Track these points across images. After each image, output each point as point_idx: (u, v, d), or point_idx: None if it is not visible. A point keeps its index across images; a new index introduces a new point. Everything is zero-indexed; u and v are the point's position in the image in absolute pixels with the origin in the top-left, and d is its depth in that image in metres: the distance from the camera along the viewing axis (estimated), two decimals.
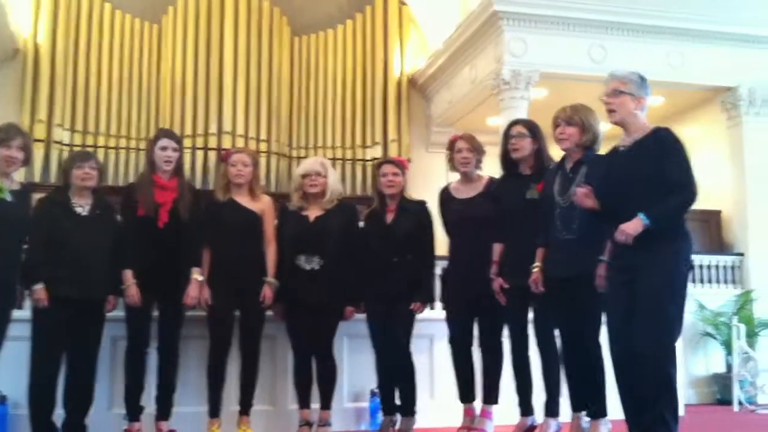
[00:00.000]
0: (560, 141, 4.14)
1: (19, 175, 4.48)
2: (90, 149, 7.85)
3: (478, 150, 4.72)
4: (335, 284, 4.59)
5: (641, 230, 3.44)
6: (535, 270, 4.16)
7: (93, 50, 8.90)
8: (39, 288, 4.22)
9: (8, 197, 4.16)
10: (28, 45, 8.73)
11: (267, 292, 4.60)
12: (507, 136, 4.52)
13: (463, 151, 4.69)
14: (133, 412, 4.51)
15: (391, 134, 9.58)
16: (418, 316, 4.70)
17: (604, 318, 3.93)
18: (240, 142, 8.65)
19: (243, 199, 4.70)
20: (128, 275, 4.43)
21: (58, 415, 4.33)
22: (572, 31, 8.45)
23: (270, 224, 4.72)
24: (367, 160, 9.33)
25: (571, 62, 8.39)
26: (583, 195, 3.74)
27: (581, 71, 8.25)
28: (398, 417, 4.67)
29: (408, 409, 4.65)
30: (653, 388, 3.43)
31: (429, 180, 7.82)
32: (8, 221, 4.12)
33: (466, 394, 4.68)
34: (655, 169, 3.49)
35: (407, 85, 9.96)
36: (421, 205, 4.80)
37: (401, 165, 4.86)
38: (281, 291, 4.64)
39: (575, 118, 4.11)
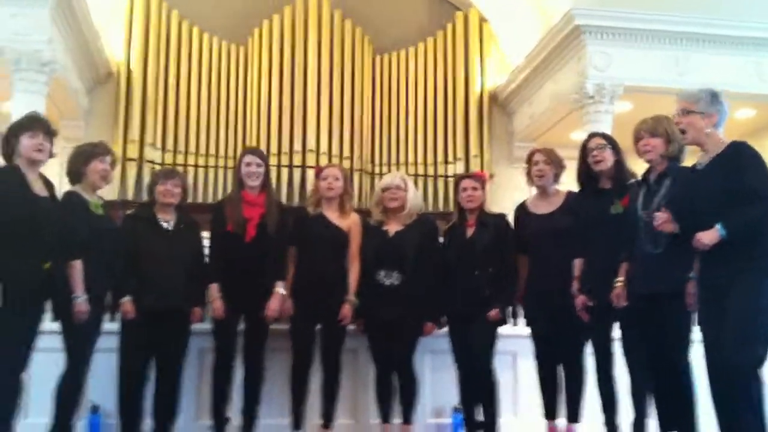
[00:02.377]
0: (644, 153, 4.04)
1: (111, 192, 4.66)
2: (180, 168, 8.07)
3: (556, 164, 4.67)
4: (414, 299, 4.59)
5: (717, 240, 3.38)
6: (618, 284, 4.07)
7: (182, 72, 9.19)
8: (126, 301, 4.37)
9: (102, 212, 4.33)
10: (121, 69, 9.08)
11: (346, 311, 4.64)
12: (586, 149, 4.46)
13: (539, 163, 4.65)
14: (219, 423, 4.60)
15: (473, 150, 9.55)
16: (501, 332, 4.67)
17: (693, 335, 3.84)
18: (324, 160, 8.77)
19: (332, 215, 4.76)
20: (214, 289, 4.54)
21: (148, 424, 4.46)
22: (656, 43, 8.28)
23: (356, 242, 4.75)
24: (449, 176, 9.32)
25: (656, 75, 8.22)
26: (662, 221, 3.68)
27: (666, 84, 8.07)
28: None
29: (490, 426, 4.60)
30: (738, 405, 3.33)
31: (512, 195, 7.75)
32: (101, 235, 4.27)
33: (550, 411, 4.61)
34: (733, 183, 3.41)
35: (489, 101, 9.92)
36: (501, 218, 4.77)
37: (480, 179, 4.85)
38: (362, 305, 4.68)
39: (659, 128, 4.02)
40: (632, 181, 4.30)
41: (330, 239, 4.69)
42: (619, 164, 4.38)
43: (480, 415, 4.63)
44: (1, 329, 3.74)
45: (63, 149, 6.67)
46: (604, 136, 4.52)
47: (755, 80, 8.24)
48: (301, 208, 5.03)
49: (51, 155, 4.07)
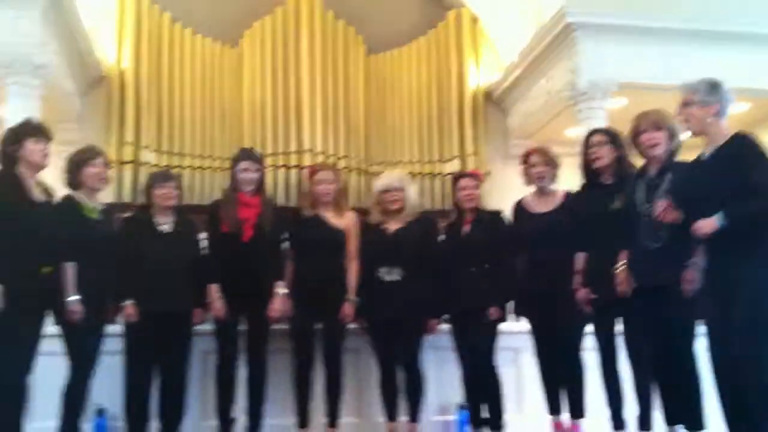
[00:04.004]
0: (651, 147, 4.04)
1: (108, 196, 4.65)
2: (175, 170, 8.05)
3: (552, 164, 4.70)
4: (415, 296, 4.61)
5: (715, 229, 3.40)
6: (621, 270, 4.07)
7: (175, 74, 9.15)
8: (128, 304, 4.37)
9: (97, 216, 4.33)
10: (113, 71, 9.03)
11: (347, 310, 4.66)
12: (586, 145, 4.49)
13: (537, 165, 4.68)
14: (225, 423, 4.61)
15: (469, 148, 9.53)
16: (503, 328, 4.69)
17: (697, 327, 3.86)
18: (319, 159, 8.75)
19: (329, 215, 4.78)
20: (213, 289, 4.54)
21: (154, 426, 4.45)
22: (649, 39, 8.29)
23: (354, 241, 4.78)
24: (445, 174, 9.32)
25: (650, 71, 8.22)
26: (663, 210, 3.70)
27: (660, 80, 8.07)
28: (486, 430, 4.64)
29: (495, 422, 4.62)
30: (749, 396, 3.35)
31: (507, 192, 7.74)
32: (98, 240, 4.28)
33: (554, 407, 4.64)
34: (736, 176, 3.43)
35: (483, 98, 9.92)
36: (497, 214, 4.81)
37: (478, 178, 4.90)
38: (364, 304, 4.69)
39: (662, 122, 4.04)
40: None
41: (327, 239, 4.72)
42: (621, 160, 4.39)
43: (485, 412, 4.65)
44: (4, 333, 3.75)
45: (59, 153, 6.66)
46: (606, 132, 4.53)
47: (748, 75, 8.27)
48: (296, 210, 5.04)
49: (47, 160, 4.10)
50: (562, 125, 9.10)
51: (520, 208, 4.78)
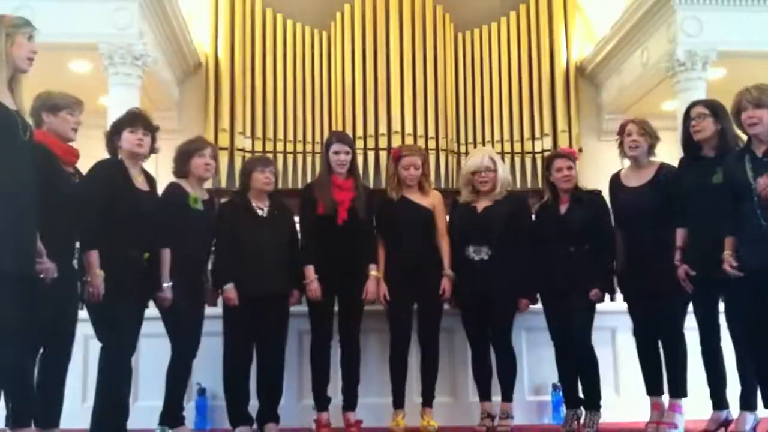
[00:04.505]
0: (750, 126, 3.86)
1: (206, 182, 4.78)
2: (269, 155, 8.21)
3: (650, 135, 4.54)
4: (505, 274, 4.57)
5: None
6: (728, 257, 3.92)
7: (268, 60, 9.32)
8: (229, 287, 4.47)
9: (201, 207, 4.45)
10: (209, 59, 9.27)
11: (446, 285, 4.67)
12: (687, 117, 4.34)
13: (633, 134, 4.53)
14: (321, 402, 4.69)
15: (561, 125, 9.39)
16: (599, 308, 4.60)
17: None
18: (408, 141, 8.78)
19: (414, 196, 4.79)
20: (309, 271, 4.61)
21: (253, 405, 4.58)
22: (750, 5, 7.96)
23: (442, 218, 4.78)
24: (536, 152, 9.21)
25: (752, 38, 7.90)
26: (766, 185, 3.54)
27: (762, 47, 7.76)
28: (582, 411, 4.59)
29: (592, 402, 4.56)
30: None
31: (602, 169, 7.60)
32: (201, 229, 4.41)
33: (653, 387, 4.53)
34: None
35: (575, 73, 9.74)
36: (596, 194, 4.70)
37: (572, 157, 4.79)
38: (455, 283, 4.69)
39: (763, 100, 3.86)
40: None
41: (416, 220, 4.72)
42: (724, 132, 4.21)
43: (581, 392, 4.59)
44: (109, 316, 3.90)
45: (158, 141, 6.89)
46: (707, 104, 4.34)
47: None
48: (383, 192, 5.06)
49: (153, 150, 4.22)
50: (658, 98, 8.85)
51: (615, 181, 4.67)
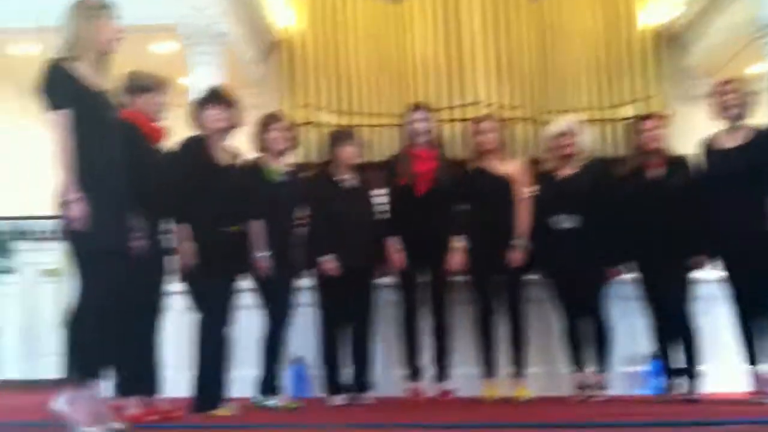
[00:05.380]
0: None
1: (290, 157, 4.81)
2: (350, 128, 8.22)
3: (745, 95, 4.41)
4: (593, 243, 4.50)
5: None
6: None
7: (347, 34, 9.31)
8: (328, 259, 4.52)
9: (281, 178, 4.50)
10: (287, 35, 9.32)
11: (515, 255, 4.61)
12: None
13: (728, 93, 4.40)
14: (414, 371, 4.73)
15: (645, 91, 9.11)
16: (696, 276, 4.50)
17: None
18: (490, 111, 8.66)
19: (492, 165, 4.75)
20: (392, 243, 4.63)
21: (347, 373, 4.64)
22: None
23: (522, 185, 4.72)
24: (620, 120, 8.98)
25: None
26: None
27: None
28: (681, 380, 4.49)
29: (691, 373, 4.46)
30: None
31: (691, 135, 7.37)
32: (282, 201, 4.46)
33: (754, 357, 4.40)
34: None
35: (659, 38, 9.42)
36: (684, 158, 4.58)
37: (663, 119, 4.68)
38: (540, 253, 4.63)
39: None
40: None
41: (495, 189, 4.68)
42: None
43: (678, 362, 4.50)
44: (202, 290, 3.99)
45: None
46: None
47: None
48: (462, 163, 5.02)
49: (235, 125, 4.27)
50: (744, 62, 8.53)
51: (708, 144, 4.54)
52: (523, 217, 4.68)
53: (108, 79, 3.43)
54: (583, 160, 4.69)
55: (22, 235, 7.24)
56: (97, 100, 3.27)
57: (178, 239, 3.94)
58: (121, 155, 3.35)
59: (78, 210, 3.08)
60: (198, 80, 7.30)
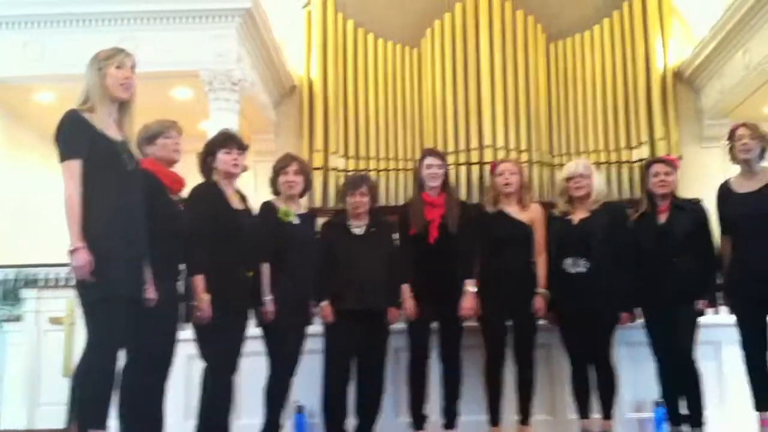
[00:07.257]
0: None
1: (305, 201, 4.86)
2: (363, 173, 8.30)
3: (761, 138, 4.43)
4: (604, 288, 4.49)
5: None
6: None
7: (360, 79, 9.45)
8: (325, 304, 4.55)
9: (296, 220, 4.54)
10: (303, 81, 9.48)
11: (539, 304, 4.62)
12: None
13: (744, 138, 4.41)
14: (418, 420, 4.70)
15: (658, 132, 9.14)
16: (703, 321, 4.47)
17: None
18: (501, 154, 8.73)
19: (512, 210, 4.75)
20: (405, 289, 4.64)
21: (350, 423, 4.63)
22: None
23: (540, 233, 4.72)
24: (634, 162, 9.00)
25: None
26: None
27: None
28: (685, 428, 4.45)
29: (696, 419, 4.42)
30: None
31: (704, 177, 7.37)
32: (297, 243, 4.48)
33: (762, 402, 4.35)
34: None
35: (672, 78, 9.47)
36: (697, 203, 4.58)
37: (672, 164, 4.68)
38: (552, 297, 4.63)
39: None
40: None
41: (514, 235, 4.68)
42: None
43: (684, 408, 4.46)
44: (215, 336, 4.01)
45: (255, 163, 7.09)
46: None
47: None
48: (480, 206, 5.04)
49: (244, 169, 4.33)
50: (760, 102, 8.51)
51: (725, 189, 4.53)
52: (543, 265, 4.68)
53: (132, 126, 3.51)
54: (596, 203, 4.69)
55: (33, 283, 7.30)
56: (113, 149, 3.35)
57: (195, 289, 3.94)
58: (140, 204, 3.42)
59: (81, 259, 3.14)
60: (217, 125, 7.44)
